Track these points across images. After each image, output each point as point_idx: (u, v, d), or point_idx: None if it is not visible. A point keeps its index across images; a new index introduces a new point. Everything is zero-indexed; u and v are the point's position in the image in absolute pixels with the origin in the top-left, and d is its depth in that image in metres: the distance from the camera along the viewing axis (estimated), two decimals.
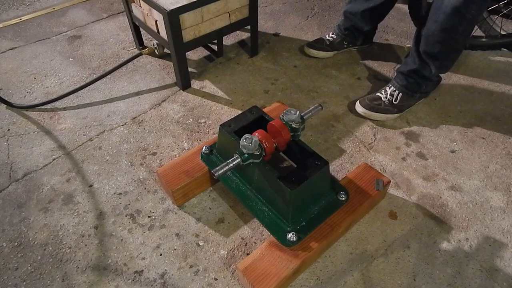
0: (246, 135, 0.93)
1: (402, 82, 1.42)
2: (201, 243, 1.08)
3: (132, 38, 1.82)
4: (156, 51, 1.74)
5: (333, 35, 1.76)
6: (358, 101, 1.46)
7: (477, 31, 1.76)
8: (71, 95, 1.56)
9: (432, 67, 1.34)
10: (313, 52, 1.75)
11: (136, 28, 1.71)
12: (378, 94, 1.46)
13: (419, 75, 1.39)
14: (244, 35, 1.91)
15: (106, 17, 2.07)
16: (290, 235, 0.95)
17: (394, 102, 1.42)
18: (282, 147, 1.00)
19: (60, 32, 1.95)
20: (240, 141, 0.92)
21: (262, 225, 1.09)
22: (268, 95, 1.57)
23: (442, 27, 1.24)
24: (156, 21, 1.46)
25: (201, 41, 1.50)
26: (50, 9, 2.14)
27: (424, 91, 1.44)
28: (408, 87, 1.41)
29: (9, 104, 1.51)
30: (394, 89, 1.43)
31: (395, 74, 1.47)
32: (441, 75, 1.45)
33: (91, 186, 1.24)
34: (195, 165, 1.16)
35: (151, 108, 1.51)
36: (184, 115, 1.48)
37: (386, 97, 1.43)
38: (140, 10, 1.53)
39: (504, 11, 1.80)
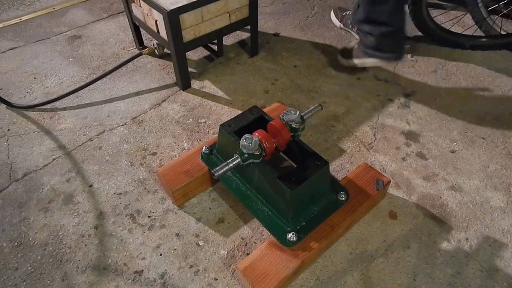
0: (246, 135, 0.93)
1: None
2: (201, 243, 1.08)
3: (132, 38, 1.82)
4: (156, 51, 1.74)
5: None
6: (352, 53, 1.56)
7: (477, 31, 1.76)
8: (71, 95, 1.56)
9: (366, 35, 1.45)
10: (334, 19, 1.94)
11: (136, 28, 1.71)
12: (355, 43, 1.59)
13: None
14: (244, 35, 1.91)
15: (106, 17, 2.07)
16: (290, 235, 0.95)
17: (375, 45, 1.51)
18: (282, 147, 1.00)
19: (60, 32, 1.95)
20: (240, 141, 0.92)
21: (262, 225, 1.09)
22: (268, 95, 1.57)
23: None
24: (156, 21, 1.46)
25: (201, 41, 1.50)
26: (50, 9, 2.14)
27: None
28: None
29: (9, 104, 1.51)
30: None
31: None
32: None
33: (91, 186, 1.24)
34: (195, 165, 1.16)
35: (151, 108, 1.51)
36: (184, 115, 1.48)
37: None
38: (140, 10, 1.53)
39: (504, 11, 1.80)
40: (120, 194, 1.21)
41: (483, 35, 1.76)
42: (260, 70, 1.70)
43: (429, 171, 1.27)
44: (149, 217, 1.15)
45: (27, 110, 1.52)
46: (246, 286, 0.96)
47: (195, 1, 1.36)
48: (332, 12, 1.97)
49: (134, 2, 1.57)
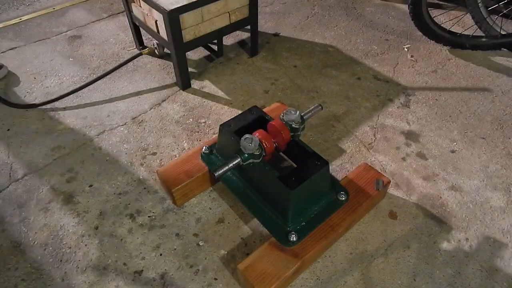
0: (246, 135, 0.93)
1: None
2: (201, 243, 1.08)
3: (132, 38, 1.82)
4: (156, 51, 1.74)
5: None
6: None
7: (477, 31, 1.76)
8: (71, 95, 1.56)
9: None
10: None
11: (136, 28, 1.71)
12: None
13: None
14: (244, 35, 1.91)
15: (106, 17, 2.07)
16: (290, 235, 0.95)
17: None
18: (282, 147, 1.00)
19: (60, 32, 1.95)
20: (240, 141, 0.92)
21: (262, 225, 1.09)
22: (268, 95, 1.57)
23: None
24: (156, 21, 1.46)
25: (201, 41, 1.50)
26: (50, 9, 2.14)
27: None
28: None
29: (9, 104, 1.51)
30: None
31: None
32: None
33: (91, 186, 1.24)
34: (195, 165, 1.16)
35: (151, 108, 1.51)
36: (184, 115, 1.48)
37: None
38: (140, 10, 1.53)
39: (504, 11, 1.80)
40: (120, 194, 1.21)
41: (483, 35, 1.76)
42: (260, 70, 1.70)
43: (429, 171, 1.27)
44: (149, 217, 1.15)
45: (27, 110, 1.52)
46: (246, 286, 0.96)
47: (195, 1, 1.36)
48: None
49: (134, 2, 1.57)
